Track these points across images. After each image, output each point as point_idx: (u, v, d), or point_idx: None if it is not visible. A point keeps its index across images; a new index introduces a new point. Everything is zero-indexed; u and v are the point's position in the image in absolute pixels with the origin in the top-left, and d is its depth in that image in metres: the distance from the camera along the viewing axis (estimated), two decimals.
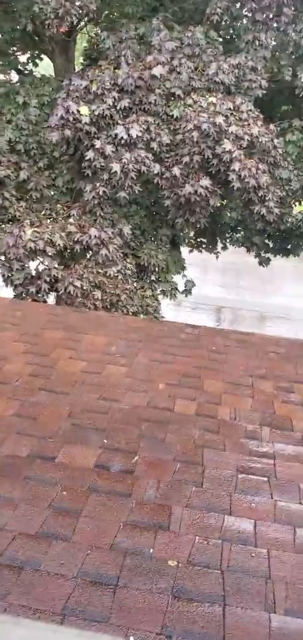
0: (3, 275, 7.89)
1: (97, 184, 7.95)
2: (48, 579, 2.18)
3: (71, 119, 7.78)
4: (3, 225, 8.06)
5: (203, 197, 8.09)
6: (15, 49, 10.90)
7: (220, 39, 9.50)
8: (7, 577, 2.17)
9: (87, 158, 7.89)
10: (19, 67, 10.79)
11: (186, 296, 10.92)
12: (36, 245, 7.61)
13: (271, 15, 8.96)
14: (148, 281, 9.11)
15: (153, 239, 9.66)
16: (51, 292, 8.05)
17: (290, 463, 3.07)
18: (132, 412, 3.50)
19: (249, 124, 8.22)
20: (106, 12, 10.61)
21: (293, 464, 3.07)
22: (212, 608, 2.11)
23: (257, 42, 8.85)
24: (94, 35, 10.73)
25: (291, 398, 3.86)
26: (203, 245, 12.30)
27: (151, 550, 2.37)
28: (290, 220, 9.74)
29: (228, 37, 10.63)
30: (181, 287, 10.24)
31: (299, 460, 3.11)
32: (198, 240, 12.22)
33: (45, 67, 11.91)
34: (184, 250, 11.59)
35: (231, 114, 8.22)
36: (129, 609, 2.08)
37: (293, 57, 9.99)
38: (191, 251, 12.23)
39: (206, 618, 2.06)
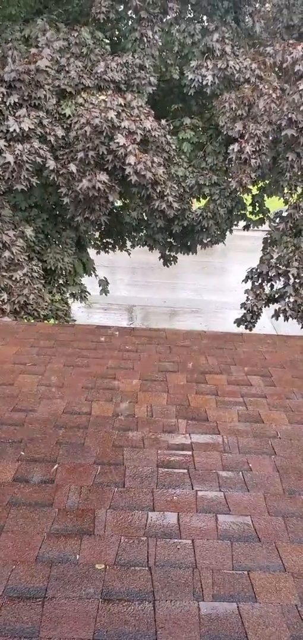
0: None
1: None
2: None
3: None
4: None
5: (101, 192, 8.13)
6: None
7: (107, 40, 9.62)
8: None
9: None
10: None
11: (106, 295, 10.95)
12: None
13: (156, 11, 9.18)
14: (56, 285, 9.01)
15: (57, 242, 9.57)
16: None
17: (207, 452, 3.15)
18: (48, 420, 3.45)
19: (141, 119, 8.38)
20: None
21: (211, 452, 3.16)
22: (142, 605, 2.13)
23: (145, 39, 9.04)
24: None
25: (204, 389, 3.97)
26: (109, 246, 12.33)
27: (78, 556, 2.35)
28: (190, 216, 10.00)
29: (115, 38, 10.78)
30: (93, 289, 10.23)
31: (215, 448, 3.21)
32: (104, 240, 12.24)
33: None
34: (92, 252, 11.58)
35: (123, 110, 8.35)
36: (59, 619, 2.06)
37: (179, 56, 10.31)
38: (98, 252, 12.23)
39: (137, 616, 2.08)
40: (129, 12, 9.85)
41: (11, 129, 7.64)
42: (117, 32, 10.85)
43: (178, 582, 2.24)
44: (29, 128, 7.67)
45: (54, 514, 2.60)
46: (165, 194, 8.73)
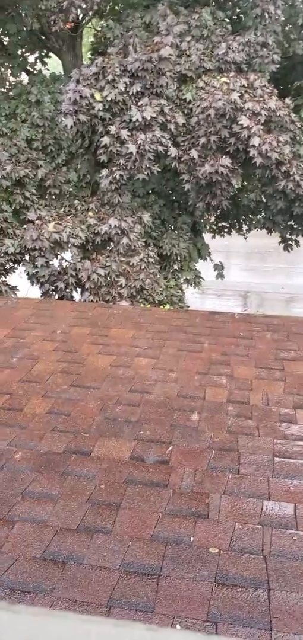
0: (27, 274, 7.97)
1: (114, 169, 7.94)
2: (92, 572, 2.21)
3: (84, 103, 7.77)
4: (25, 226, 8.13)
5: (224, 176, 8.02)
6: (23, 50, 10.94)
7: (227, 20, 9.43)
8: (52, 572, 2.20)
9: (102, 144, 7.89)
10: (28, 67, 10.85)
11: (221, 279, 10.93)
12: (60, 236, 7.66)
13: None
14: (171, 271, 9.11)
15: (173, 227, 9.64)
16: (78, 287, 8.10)
17: None
18: (163, 403, 3.51)
19: (264, 100, 8.14)
20: (111, 4, 10.59)
21: None
22: (257, 593, 2.11)
23: (267, 15, 8.74)
24: (100, 28, 10.72)
25: None
26: (225, 230, 12.23)
27: (192, 538, 2.38)
28: None
29: (235, 17, 10.54)
30: (207, 275, 10.21)
31: None
32: (220, 225, 12.15)
33: (54, 65, 11.94)
34: (207, 236, 11.55)
35: (246, 91, 8.15)
36: (173, 597, 2.10)
37: None
38: (213, 237, 12.18)
39: (252, 603, 2.07)
40: None
41: (134, 119, 7.77)
42: (237, 10, 10.62)
43: (294, 573, 2.20)
44: (151, 117, 7.75)
45: (168, 495, 2.65)
46: (291, 173, 8.44)
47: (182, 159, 8.27)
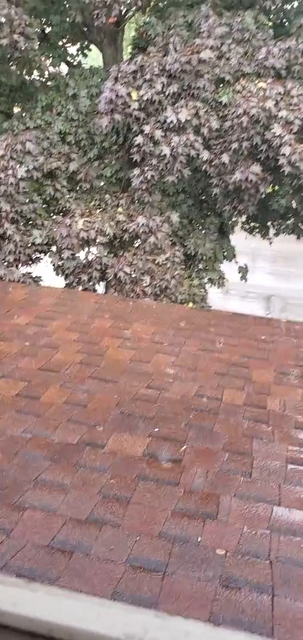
0: (53, 265, 8.04)
1: (146, 169, 7.97)
2: (98, 563, 2.23)
3: (119, 103, 7.80)
4: (54, 217, 8.20)
5: (253, 183, 8.00)
6: (64, 40, 11.02)
7: (270, 24, 9.34)
8: (59, 560, 2.22)
9: (136, 144, 7.91)
10: (68, 59, 10.93)
11: (246, 281, 10.92)
12: (88, 235, 7.72)
13: None
14: (195, 270, 9.09)
15: (200, 227, 9.63)
16: (102, 281, 8.15)
17: None
18: (180, 401, 3.51)
19: (300, 109, 8.07)
20: (154, 0, 10.58)
21: None
22: (261, 598, 2.10)
23: None
24: (142, 24, 10.70)
25: None
26: (256, 230, 12.19)
27: (199, 538, 2.38)
28: None
29: (279, 21, 10.42)
30: (231, 276, 10.19)
31: None
32: (251, 224, 12.12)
33: (94, 57, 12.00)
34: (238, 236, 11.51)
35: (282, 98, 8.09)
36: (177, 595, 2.10)
37: None
38: (245, 238, 12.16)
39: (255, 607, 2.06)
40: None
41: (169, 120, 7.77)
42: (282, 14, 10.52)
43: (300, 582, 2.18)
44: (186, 119, 7.75)
45: (179, 493, 2.65)
46: None
47: (213, 163, 8.25)
